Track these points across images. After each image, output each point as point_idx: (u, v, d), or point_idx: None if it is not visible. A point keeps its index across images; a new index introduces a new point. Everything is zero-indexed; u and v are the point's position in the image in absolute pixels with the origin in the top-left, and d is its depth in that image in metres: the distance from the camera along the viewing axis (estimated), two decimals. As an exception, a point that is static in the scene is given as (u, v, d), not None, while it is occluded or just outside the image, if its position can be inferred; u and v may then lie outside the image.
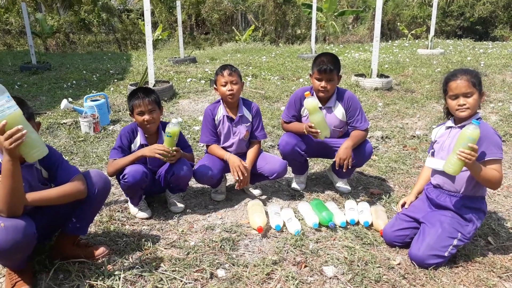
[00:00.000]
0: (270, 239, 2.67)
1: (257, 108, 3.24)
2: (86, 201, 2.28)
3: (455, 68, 2.47)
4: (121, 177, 2.78)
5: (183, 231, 2.75)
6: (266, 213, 2.95)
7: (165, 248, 2.54)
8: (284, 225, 2.79)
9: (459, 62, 10.16)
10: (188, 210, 3.07)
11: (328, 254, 2.47)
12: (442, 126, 2.59)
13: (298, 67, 9.72)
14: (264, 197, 3.34)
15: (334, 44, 17.30)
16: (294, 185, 3.46)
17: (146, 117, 2.85)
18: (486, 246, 2.63)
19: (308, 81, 7.98)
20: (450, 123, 2.52)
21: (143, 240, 2.61)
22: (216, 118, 3.18)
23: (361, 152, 3.12)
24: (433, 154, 2.61)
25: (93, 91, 7.35)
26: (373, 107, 6.19)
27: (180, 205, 3.07)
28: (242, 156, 3.22)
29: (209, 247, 2.55)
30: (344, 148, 2.99)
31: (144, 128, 2.92)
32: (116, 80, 8.32)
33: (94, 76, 8.85)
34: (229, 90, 3.03)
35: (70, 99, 6.57)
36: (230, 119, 3.16)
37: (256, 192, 3.34)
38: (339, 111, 3.15)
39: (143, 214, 2.94)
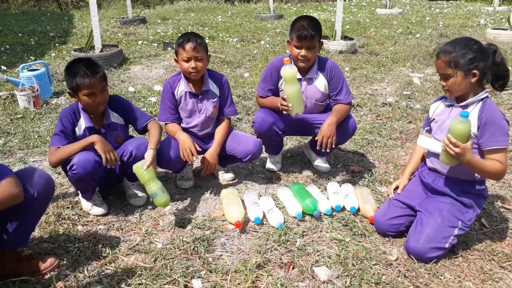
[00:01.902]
0: (250, 235, 2.34)
1: (225, 81, 2.81)
2: (24, 207, 1.83)
3: (450, 39, 2.17)
4: (68, 168, 2.31)
5: (147, 230, 2.35)
6: (243, 201, 2.61)
7: (127, 254, 2.15)
8: (264, 216, 2.47)
9: (418, 23, 10.02)
10: (151, 203, 2.66)
11: (317, 251, 2.18)
12: (442, 102, 2.30)
13: (257, 28, 9.18)
14: (236, 181, 2.98)
15: (291, 3, 16.69)
16: (269, 165, 3.12)
17: (98, 98, 2.37)
18: (481, 229, 2.44)
19: (269, 43, 7.52)
20: (450, 100, 2.23)
21: (99, 245, 2.19)
22: (176, 93, 2.73)
23: (344, 128, 2.80)
24: (429, 132, 2.34)
25: (31, 57, 6.54)
26: (340, 72, 5.88)
27: (141, 194, 2.66)
28: (210, 137, 2.81)
29: (180, 249, 2.18)
30: (327, 125, 2.66)
31: (92, 109, 2.43)
32: (57, 45, 7.46)
33: (31, 39, 7.90)
34: (192, 68, 2.58)
35: (3, 67, 5.78)
36: (194, 95, 2.73)
37: (228, 176, 2.98)
38: (321, 83, 2.79)
39: (98, 210, 2.51)
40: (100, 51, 5.87)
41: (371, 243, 2.28)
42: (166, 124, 2.78)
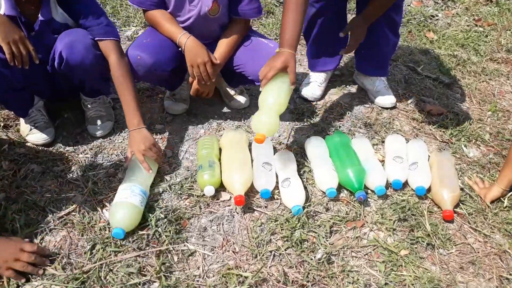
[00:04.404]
0: (247, 217, 1.49)
1: None
2: None
3: None
4: None
5: (94, 190, 1.54)
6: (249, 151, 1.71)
7: (51, 230, 1.38)
8: (276, 187, 1.58)
9: None
10: (118, 134, 1.81)
11: (348, 273, 1.32)
12: None
13: None
14: (249, 107, 2.04)
15: None
16: (306, 91, 2.10)
17: None
18: None
19: None
20: None
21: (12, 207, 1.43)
22: None
23: None
24: None
25: None
26: None
27: (102, 115, 1.79)
28: (211, 46, 1.77)
29: (133, 239, 1.39)
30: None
31: None
32: None
33: None
34: None
35: None
36: None
37: (240, 100, 2.02)
38: None
39: (38, 137, 1.70)
40: None
41: (441, 263, 1.38)
42: (145, 11, 1.76)
